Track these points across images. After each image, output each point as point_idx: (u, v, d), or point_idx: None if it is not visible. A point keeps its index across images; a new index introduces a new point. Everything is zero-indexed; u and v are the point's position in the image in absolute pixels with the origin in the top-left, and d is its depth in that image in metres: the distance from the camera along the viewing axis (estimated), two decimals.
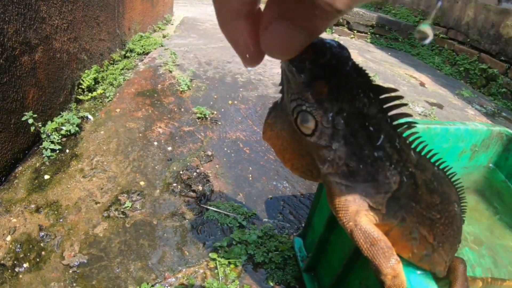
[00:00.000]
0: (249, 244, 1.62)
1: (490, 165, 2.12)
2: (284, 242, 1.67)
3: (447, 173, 0.99)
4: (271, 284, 1.51)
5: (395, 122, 0.79)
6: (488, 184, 2.07)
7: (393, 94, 0.74)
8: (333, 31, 6.85)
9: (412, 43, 6.76)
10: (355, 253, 1.08)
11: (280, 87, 0.73)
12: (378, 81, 4.35)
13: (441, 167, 0.96)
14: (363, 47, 6.21)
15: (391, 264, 0.78)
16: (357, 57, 5.28)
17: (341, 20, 6.83)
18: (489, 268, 1.55)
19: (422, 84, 4.74)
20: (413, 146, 0.86)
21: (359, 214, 0.77)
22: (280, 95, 0.74)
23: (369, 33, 6.90)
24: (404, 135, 0.83)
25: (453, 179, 0.99)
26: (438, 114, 3.75)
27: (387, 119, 0.77)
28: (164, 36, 4.59)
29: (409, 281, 0.84)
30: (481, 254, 1.62)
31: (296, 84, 0.67)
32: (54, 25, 2.30)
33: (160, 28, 4.93)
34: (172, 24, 5.40)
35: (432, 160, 0.93)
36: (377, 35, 6.87)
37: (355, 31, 6.90)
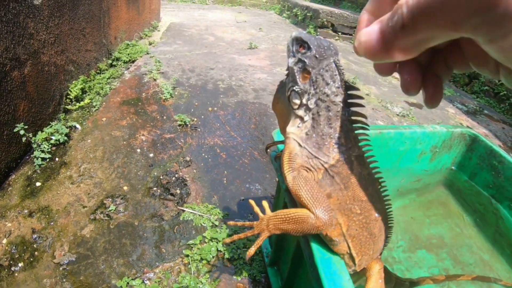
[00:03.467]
0: (220, 242, 1.80)
1: (453, 167, 2.24)
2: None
3: (382, 186, 1.14)
4: (239, 278, 1.68)
5: (353, 117, 1.05)
6: (451, 184, 2.18)
7: (356, 93, 1.01)
8: (318, 33, 6.98)
9: None
10: (298, 248, 1.26)
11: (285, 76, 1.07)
12: (359, 82, 4.48)
13: (377, 175, 1.12)
14: (347, 49, 6.33)
15: (329, 214, 0.93)
16: (340, 59, 5.40)
17: (325, 22, 6.96)
18: (447, 268, 1.65)
19: None
20: (360, 144, 1.07)
21: (302, 167, 0.99)
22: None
23: (353, 35, 6.95)
24: (356, 132, 1.07)
25: (384, 194, 1.14)
26: (417, 114, 3.87)
27: (345, 110, 1.03)
28: (150, 43, 4.71)
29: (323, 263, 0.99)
30: (441, 257, 1.73)
31: (292, 70, 1.01)
32: (41, 40, 2.43)
33: (146, 35, 5.04)
34: (158, 31, 5.51)
35: (371, 165, 1.09)
36: None
37: (339, 33, 7.00)
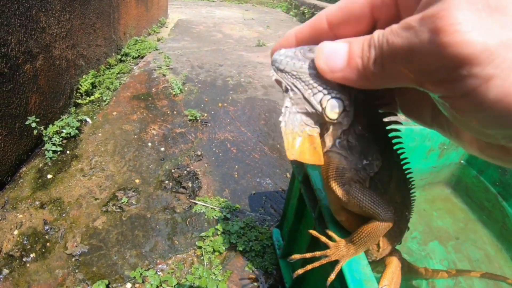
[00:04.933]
0: (232, 234, 1.80)
1: (462, 161, 2.26)
2: (264, 232, 1.85)
3: (411, 182, 1.14)
4: (251, 269, 1.69)
5: (385, 118, 0.95)
6: (459, 180, 2.20)
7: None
8: None
9: None
10: (313, 239, 1.26)
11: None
12: None
13: (408, 176, 1.11)
14: None
15: (390, 213, 0.92)
16: None
17: None
18: (454, 261, 1.68)
19: None
20: (395, 147, 1.01)
21: (352, 180, 0.90)
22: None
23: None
24: (390, 135, 0.99)
25: (412, 190, 1.14)
26: None
27: (383, 111, 0.92)
28: (158, 40, 4.73)
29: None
30: (448, 250, 1.74)
31: (318, 77, 0.75)
32: (53, 34, 2.45)
33: (154, 31, 5.07)
34: (166, 27, 5.54)
35: (405, 166, 1.08)
36: None
37: None
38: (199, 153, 2.50)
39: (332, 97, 0.79)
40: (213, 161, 2.44)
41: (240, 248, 1.75)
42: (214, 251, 1.73)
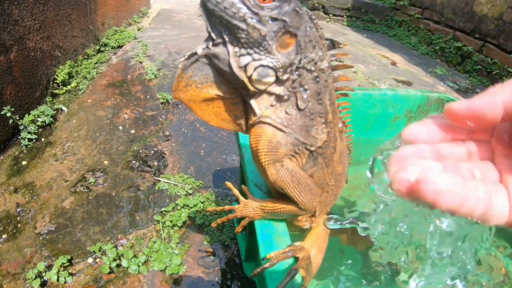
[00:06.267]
0: (191, 208, 1.87)
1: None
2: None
3: (350, 148, 1.13)
4: (209, 243, 1.75)
5: (337, 84, 0.90)
6: None
7: (340, 50, 0.86)
8: None
9: (389, 24, 6.82)
10: None
11: (208, 34, 0.75)
12: (347, 61, 4.48)
13: (348, 142, 1.09)
14: (338, 30, 6.32)
15: (316, 201, 0.91)
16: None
17: (316, 4, 6.92)
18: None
19: (393, 63, 4.85)
20: (341, 114, 0.97)
21: (286, 157, 0.85)
22: (197, 47, 0.79)
23: (345, 16, 6.92)
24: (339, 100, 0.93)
25: (350, 155, 1.14)
26: None
27: (331, 77, 0.86)
28: (138, 29, 4.75)
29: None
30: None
31: (251, 37, 0.70)
32: (26, 26, 2.50)
33: (135, 21, 5.07)
34: (148, 17, 5.54)
35: (347, 134, 1.05)
36: (354, 18, 6.92)
37: (330, 15, 6.92)
38: (167, 133, 2.57)
39: (263, 66, 0.74)
40: (181, 141, 2.51)
41: (199, 222, 1.82)
42: (173, 225, 1.80)
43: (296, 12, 0.74)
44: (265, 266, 0.86)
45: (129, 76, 3.36)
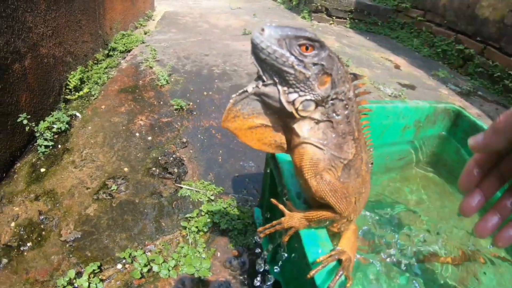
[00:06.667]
0: (215, 214, 1.91)
1: (441, 135, 2.25)
2: (245, 212, 1.96)
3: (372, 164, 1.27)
4: (234, 247, 1.80)
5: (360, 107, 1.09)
6: (439, 158, 2.23)
7: (361, 81, 1.05)
8: (312, 18, 7.01)
9: (391, 26, 6.86)
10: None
11: (258, 76, 0.93)
12: (352, 65, 4.53)
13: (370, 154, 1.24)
14: (341, 33, 6.37)
15: (351, 207, 1.04)
16: (334, 43, 5.45)
17: (319, 7, 6.98)
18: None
19: (397, 67, 4.90)
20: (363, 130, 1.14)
21: (324, 171, 1.00)
22: (247, 86, 0.95)
23: (348, 19, 6.98)
24: (361, 120, 1.12)
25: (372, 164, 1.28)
26: (409, 95, 3.92)
27: (356, 102, 1.05)
28: (145, 33, 4.78)
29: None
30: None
31: (298, 79, 0.89)
32: (40, 33, 2.52)
33: (141, 24, 5.10)
34: (153, 20, 5.57)
35: (369, 147, 1.21)
36: (356, 20, 6.97)
37: (334, 17, 6.98)
38: (184, 140, 2.61)
39: (307, 100, 0.93)
40: (198, 147, 2.55)
41: (223, 227, 1.87)
42: (198, 230, 1.85)
43: (330, 56, 0.91)
44: (318, 268, 0.99)
45: (140, 81, 3.39)
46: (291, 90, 0.91)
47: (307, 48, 0.88)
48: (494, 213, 0.59)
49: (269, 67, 0.89)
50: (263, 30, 0.86)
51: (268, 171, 1.58)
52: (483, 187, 0.60)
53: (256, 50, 0.88)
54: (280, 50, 0.86)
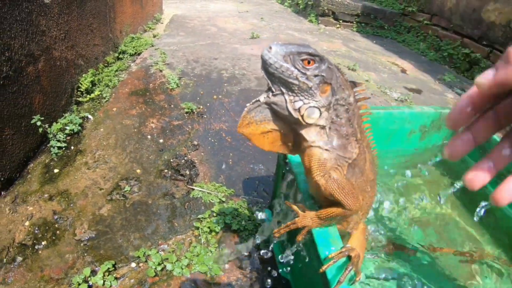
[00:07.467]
0: (227, 215, 1.95)
1: (445, 142, 2.32)
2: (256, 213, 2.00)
3: (377, 158, 1.35)
4: (244, 247, 1.83)
5: (361, 111, 1.18)
6: (443, 162, 2.24)
7: (359, 88, 1.12)
8: (319, 21, 7.04)
9: (398, 30, 6.88)
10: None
11: (268, 87, 1.04)
12: (359, 69, 4.56)
13: (375, 154, 1.33)
14: (348, 37, 6.39)
15: (359, 203, 1.12)
16: (340, 47, 5.47)
17: (326, 11, 7.02)
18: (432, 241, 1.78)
19: (403, 71, 4.91)
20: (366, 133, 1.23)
21: (331, 169, 1.08)
22: (260, 96, 1.06)
23: (354, 22, 7.00)
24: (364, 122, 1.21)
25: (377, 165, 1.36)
26: (416, 99, 3.94)
27: (356, 106, 1.14)
28: (154, 36, 4.83)
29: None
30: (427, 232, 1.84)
31: (301, 88, 1.00)
32: (52, 36, 2.56)
33: (150, 28, 5.15)
34: (162, 23, 5.62)
35: (373, 148, 1.29)
36: (363, 24, 7.00)
37: (340, 21, 7.00)
38: (195, 143, 2.65)
39: (310, 106, 1.03)
40: (209, 150, 2.59)
41: (235, 228, 1.90)
42: (210, 231, 1.88)
43: (329, 68, 1.01)
44: (330, 263, 1.08)
45: (151, 84, 3.44)
46: (296, 98, 1.01)
47: (309, 62, 0.98)
48: (487, 162, 0.52)
49: (277, 80, 1.00)
50: (270, 48, 0.97)
51: (279, 173, 1.63)
52: (474, 130, 0.53)
53: (265, 65, 0.99)
54: (286, 64, 0.97)
